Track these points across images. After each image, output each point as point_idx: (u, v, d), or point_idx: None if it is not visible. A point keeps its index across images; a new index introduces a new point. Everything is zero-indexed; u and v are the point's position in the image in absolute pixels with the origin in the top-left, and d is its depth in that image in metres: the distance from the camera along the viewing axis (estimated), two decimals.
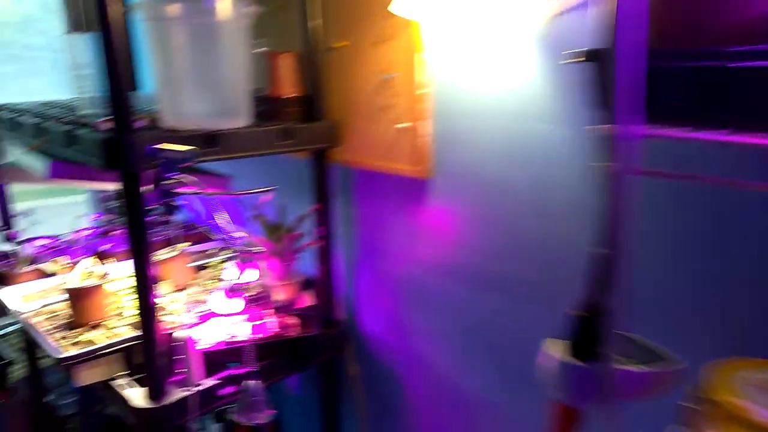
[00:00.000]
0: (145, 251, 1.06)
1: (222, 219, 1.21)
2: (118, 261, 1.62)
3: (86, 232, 1.76)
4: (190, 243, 1.63)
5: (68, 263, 1.56)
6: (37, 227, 1.81)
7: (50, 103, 1.75)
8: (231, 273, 1.25)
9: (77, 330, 1.28)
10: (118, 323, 1.31)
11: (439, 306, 1.29)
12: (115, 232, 1.78)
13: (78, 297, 1.28)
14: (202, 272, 1.59)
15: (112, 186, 1.18)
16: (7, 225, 1.77)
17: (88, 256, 1.62)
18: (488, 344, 1.21)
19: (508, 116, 1.06)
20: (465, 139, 1.14)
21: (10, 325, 1.61)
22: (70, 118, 1.24)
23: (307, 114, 1.32)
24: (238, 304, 1.23)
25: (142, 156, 1.02)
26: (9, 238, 1.73)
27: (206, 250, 1.71)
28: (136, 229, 1.05)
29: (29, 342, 1.73)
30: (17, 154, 1.43)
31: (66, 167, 1.12)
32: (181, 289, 1.50)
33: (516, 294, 1.12)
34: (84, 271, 1.35)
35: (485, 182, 1.13)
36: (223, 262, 1.58)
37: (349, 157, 1.38)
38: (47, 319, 1.35)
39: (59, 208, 2.31)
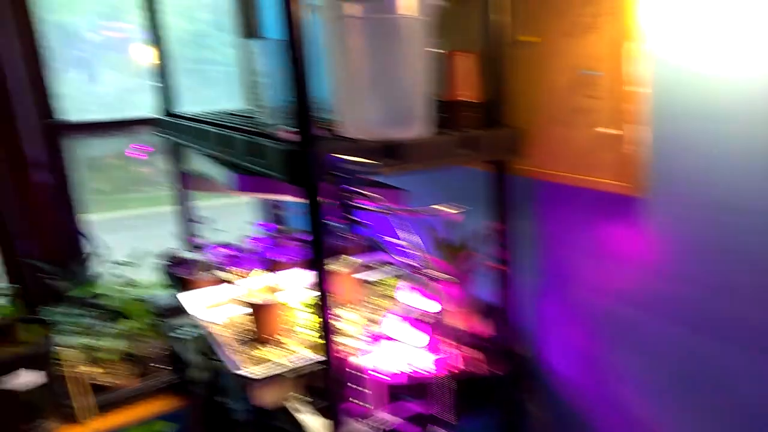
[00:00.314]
0: (325, 269, 1.01)
1: (403, 237, 1.12)
2: (290, 271, 1.63)
3: (258, 241, 1.79)
4: (357, 256, 1.58)
5: (243, 272, 1.60)
6: (215, 233, 1.90)
7: (228, 112, 1.82)
8: (412, 298, 1.16)
9: (254, 344, 1.28)
10: (293, 340, 1.29)
11: (647, 347, 1.08)
12: (286, 242, 1.80)
13: (257, 312, 1.28)
14: (371, 288, 1.53)
15: (292, 198, 1.16)
16: (189, 231, 1.86)
17: (262, 267, 1.65)
18: (711, 401, 0.98)
19: (760, 120, 0.83)
20: (694, 149, 0.93)
21: (190, 328, 1.69)
22: (251, 128, 1.23)
23: (487, 120, 1.19)
24: (424, 336, 1.13)
25: (325, 169, 0.96)
26: (190, 244, 1.83)
27: (376, 265, 1.65)
28: (317, 244, 0.99)
29: (207, 346, 1.81)
30: (201, 163, 1.47)
31: (252, 180, 1.11)
32: (351, 307, 1.45)
33: (760, 346, 0.88)
34: (263, 285, 1.35)
35: (722, 203, 0.91)
36: (395, 278, 1.51)
37: (535, 168, 1.23)
38: (225, 328, 1.38)
39: (227, 209, 2.42)
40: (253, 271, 1.62)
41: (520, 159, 1.22)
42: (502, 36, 1.16)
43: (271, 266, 1.66)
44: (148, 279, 1.88)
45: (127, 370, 1.66)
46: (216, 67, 2.74)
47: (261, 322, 1.30)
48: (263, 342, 1.29)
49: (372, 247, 1.73)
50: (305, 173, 0.96)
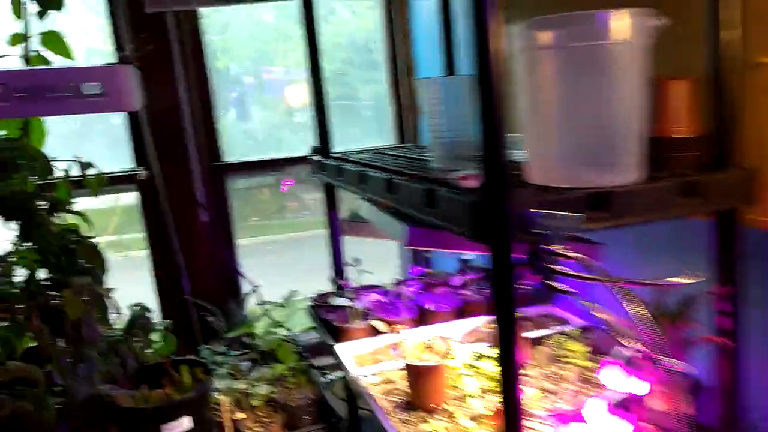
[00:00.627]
0: (515, 339, 0.84)
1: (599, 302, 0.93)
2: (448, 325, 1.48)
3: (410, 287, 1.67)
4: (524, 310, 1.39)
5: (398, 322, 1.48)
6: (365, 275, 1.81)
7: (379, 151, 1.74)
8: (609, 375, 0.96)
9: (413, 410, 1.14)
10: (460, 410, 1.13)
11: None
12: (439, 289, 1.66)
13: (417, 376, 1.14)
14: (544, 351, 1.33)
15: (472, 254, 1.02)
16: (340, 275, 1.80)
17: (417, 317, 1.52)
18: None
19: None
20: None
21: (339, 379, 1.60)
22: (418, 172, 1.12)
23: (710, 160, 0.96)
24: (625, 422, 0.91)
25: (518, 224, 0.80)
26: (340, 288, 1.75)
27: (549, 321, 1.45)
28: (506, 312, 0.84)
29: (353, 395, 1.71)
30: (361, 208, 1.39)
31: (425, 234, 0.99)
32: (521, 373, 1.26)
33: None
34: (423, 342, 1.22)
35: None
36: (575, 341, 1.30)
37: None
38: (380, 386, 1.26)
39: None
40: (408, 321, 1.50)
41: (756, 207, 0.97)
42: (732, 57, 0.93)
43: (427, 317, 1.53)
44: (298, 322, 1.84)
45: (275, 419, 1.61)
46: (353, 103, 2.76)
47: (422, 388, 1.16)
48: (425, 409, 1.14)
49: (541, 297, 1.53)
50: (494, 229, 0.81)
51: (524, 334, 1.34)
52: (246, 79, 2.61)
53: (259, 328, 1.87)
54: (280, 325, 1.87)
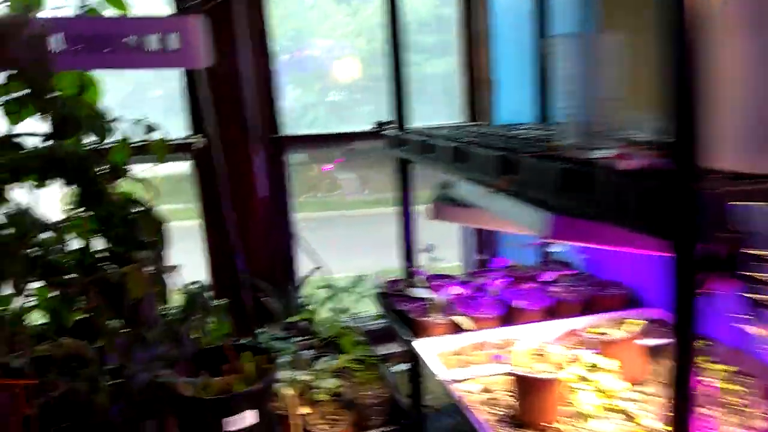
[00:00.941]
0: (692, 359, 0.67)
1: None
2: (532, 322, 1.33)
3: (494, 279, 1.51)
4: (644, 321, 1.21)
5: (481, 318, 1.33)
6: (438, 263, 1.66)
7: (460, 128, 1.57)
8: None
9: (522, 430, 0.99)
10: (577, 431, 0.97)
11: None
12: (523, 284, 1.49)
13: (528, 389, 0.98)
14: (662, 363, 1.15)
15: (637, 251, 0.85)
16: (410, 261, 1.64)
17: (499, 313, 1.36)
18: None
19: None
20: None
21: (416, 375, 1.46)
22: (538, 148, 0.94)
23: None
24: None
25: (712, 219, 0.63)
26: (411, 276, 1.59)
27: (650, 327, 1.27)
28: (685, 324, 0.67)
29: (415, 387, 1.57)
30: (457, 188, 1.22)
31: (573, 225, 0.82)
32: (637, 384, 1.10)
33: None
34: (531, 350, 1.05)
35: None
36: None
37: None
38: (475, 395, 1.10)
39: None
40: (493, 318, 1.34)
41: None
42: None
43: (514, 315, 1.37)
44: (365, 309, 1.70)
45: (344, 417, 1.48)
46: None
47: (534, 401, 1.00)
48: (535, 428, 0.99)
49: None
50: (679, 223, 0.64)
51: (640, 342, 1.16)
52: (283, 57, 2.54)
53: (321, 313, 1.74)
54: (344, 312, 1.73)
